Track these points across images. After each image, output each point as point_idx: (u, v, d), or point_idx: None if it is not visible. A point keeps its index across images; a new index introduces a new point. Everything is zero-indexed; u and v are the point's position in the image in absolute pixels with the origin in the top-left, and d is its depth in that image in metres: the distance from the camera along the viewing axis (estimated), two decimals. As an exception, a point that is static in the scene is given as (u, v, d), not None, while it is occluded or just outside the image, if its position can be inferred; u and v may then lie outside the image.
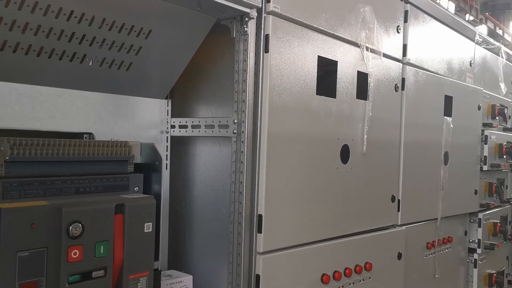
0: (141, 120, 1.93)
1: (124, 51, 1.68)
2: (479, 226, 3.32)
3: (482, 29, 23.23)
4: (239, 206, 1.75)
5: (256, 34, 1.77)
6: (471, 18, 19.31)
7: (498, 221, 3.53)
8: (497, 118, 3.60)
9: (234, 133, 1.77)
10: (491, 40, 3.66)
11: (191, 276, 1.85)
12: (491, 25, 23.81)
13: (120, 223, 1.32)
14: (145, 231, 1.37)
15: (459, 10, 20.76)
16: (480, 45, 3.44)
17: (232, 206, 1.77)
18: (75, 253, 1.24)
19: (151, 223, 1.38)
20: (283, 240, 1.87)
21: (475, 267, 3.32)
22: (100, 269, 1.30)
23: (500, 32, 24.36)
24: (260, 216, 1.77)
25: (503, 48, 3.82)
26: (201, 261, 1.98)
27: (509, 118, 3.84)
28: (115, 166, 1.48)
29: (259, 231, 1.77)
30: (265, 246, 1.78)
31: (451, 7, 21.11)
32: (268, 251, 1.80)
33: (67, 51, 1.56)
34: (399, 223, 2.57)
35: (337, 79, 2.12)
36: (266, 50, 1.77)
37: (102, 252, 1.29)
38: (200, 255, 1.99)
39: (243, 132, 1.75)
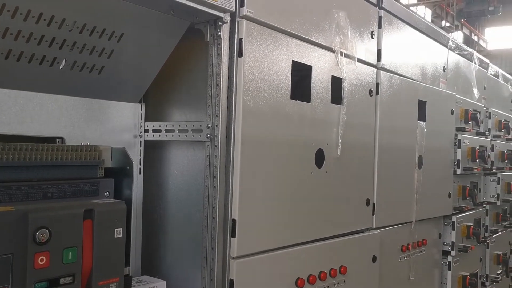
0: (114, 124, 1.91)
1: (96, 54, 1.66)
2: (453, 229, 3.37)
3: (458, 36, 23.75)
4: (213, 210, 1.75)
5: (229, 39, 1.77)
6: (447, 24, 19.68)
7: (472, 224, 3.59)
8: (470, 122, 3.67)
9: (207, 138, 1.76)
10: (464, 46, 3.73)
11: (164, 282, 1.83)
12: (467, 32, 24.33)
13: (89, 228, 1.30)
14: (115, 236, 1.35)
15: (436, 17, 21.15)
16: (453, 51, 3.51)
17: (205, 210, 1.77)
18: (42, 260, 1.22)
19: (121, 229, 1.36)
20: (257, 244, 1.87)
21: (449, 269, 3.37)
22: (68, 276, 1.28)
23: (475, 38, 24.91)
24: (234, 221, 1.77)
25: (476, 54, 3.91)
26: (175, 266, 1.97)
27: (482, 123, 3.92)
28: (84, 171, 1.46)
29: (233, 235, 1.76)
30: (239, 250, 1.77)
31: (428, 13, 21.51)
32: (242, 256, 1.79)
33: (36, 54, 1.54)
34: (374, 227, 2.59)
35: (312, 84, 2.13)
36: (240, 54, 1.78)
37: (70, 258, 1.27)
38: (174, 260, 1.97)
39: (216, 136, 1.74)
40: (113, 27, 1.62)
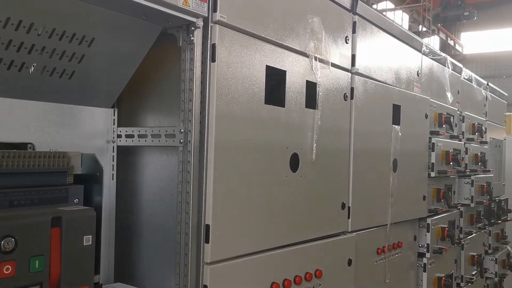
0: (85, 130, 1.89)
1: (66, 59, 1.64)
2: (428, 231, 3.42)
3: (434, 40, 24.16)
4: (186, 216, 1.74)
5: (202, 44, 1.77)
6: (424, 29, 20.00)
7: (446, 226, 3.64)
8: (444, 126, 3.73)
9: (180, 143, 1.75)
10: (438, 51, 3.79)
11: (137, 289, 1.82)
12: (443, 36, 24.76)
13: (57, 236, 1.28)
14: (84, 244, 1.33)
15: (413, 21, 21.47)
16: (427, 56, 3.57)
17: (179, 216, 1.76)
18: (7, 269, 1.19)
19: (90, 236, 1.34)
20: (231, 249, 1.86)
21: (424, 271, 3.41)
22: (36, 285, 1.25)
23: (451, 42, 25.37)
24: (207, 226, 1.76)
25: (449, 59, 3.98)
26: (148, 273, 1.95)
27: (456, 126, 3.99)
28: (53, 177, 1.43)
29: (207, 241, 1.76)
30: (212, 256, 1.76)
31: (405, 18, 21.83)
32: (216, 261, 1.79)
33: (4, 59, 1.51)
34: (349, 230, 2.61)
35: (286, 89, 2.14)
36: (213, 59, 1.77)
37: (37, 267, 1.25)
38: (147, 267, 1.95)
39: (189, 141, 1.74)
40: (83, 31, 1.61)
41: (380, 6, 20.27)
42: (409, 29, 21.25)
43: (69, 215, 1.30)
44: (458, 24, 24.44)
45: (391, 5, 20.66)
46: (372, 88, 2.80)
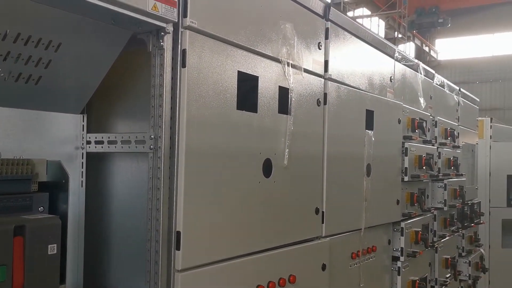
0: (53, 136, 1.85)
1: (32, 64, 1.61)
2: (402, 235, 3.46)
3: (410, 46, 24.59)
4: (156, 223, 1.72)
5: (173, 49, 1.76)
6: (400, 35, 20.35)
7: (420, 230, 3.69)
8: (416, 131, 3.78)
9: (150, 149, 1.74)
10: (410, 57, 3.86)
11: (107, 298, 1.78)
12: (419, 43, 25.23)
13: (19, 245, 1.25)
14: (49, 253, 1.30)
15: (389, 28, 21.82)
16: (400, 62, 3.62)
17: (149, 223, 1.73)
18: (-33, 280, 1.16)
19: (55, 245, 1.32)
20: (203, 256, 1.85)
21: (398, 274, 3.44)
22: (-3, 296, 1.22)
23: (426, 49, 25.86)
24: (178, 233, 1.74)
25: (421, 65, 4.04)
26: (119, 281, 1.92)
27: (428, 131, 4.05)
28: (16, 185, 1.40)
29: (178, 248, 1.74)
30: (184, 263, 1.75)
31: (382, 25, 22.18)
32: (187, 268, 1.77)
33: (-33, 64, 1.47)
34: (323, 235, 2.62)
35: (258, 94, 2.14)
36: (184, 65, 1.76)
37: (-1, 277, 1.21)
38: (118, 275, 1.92)
39: (159, 147, 1.72)
40: (49, 36, 1.58)
41: (357, 12, 20.55)
42: (385, 35, 21.64)
43: (33, 224, 1.27)
44: (433, 30, 24.95)
45: (368, 12, 20.96)
46: (345, 93, 2.82)
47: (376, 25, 21.85)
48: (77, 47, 1.68)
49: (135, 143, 1.79)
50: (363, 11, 20.82)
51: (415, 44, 25.10)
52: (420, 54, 25.42)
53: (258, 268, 2.11)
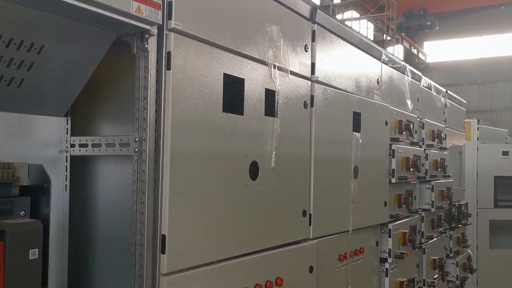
0: (37, 139, 1.83)
1: (14, 66, 1.59)
2: (389, 236, 3.47)
3: (399, 49, 24.75)
4: (141, 227, 1.70)
5: (157, 51, 1.75)
6: (388, 38, 20.48)
7: (407, 231, 3.70)
8: (404, 133, 3.80)
9: (135, 152, 1.72)
10: (397, 59, 3.88)
11: (92, 302, 1.76)
12: (407, 45, 25.42)
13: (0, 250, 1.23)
14: (30, 258, 1.29)
15: (378, 31, 21.95)
16: (387, 64, 3.64)
17: (133, 227, 1.72)
18: None
19: (37, 249, 1.30)
20: (189, 259, 1.84)
21: (386, 276, 3.45)
22: (-23, 302, 1.20)
23: (415, 51, 26.06)
24: (163, 237, 1.73)
25: (408, 67, 4.07)
26: (104, 286, 1.90)
27: (415, 133, 4.08)
28: (-3, 189, 1.38)
29: (163, 251, 1.73)
30: (169, 267, 1.73)
31: (370, 28, 22.30)
32: (173, 272, 1.76)
33: None
34: (311, 237, 2.62)
35: (245, 97, 2.14)
36: (168, 67, 1.75)
37: (-22, 283, 1.19)
38: (102, 279, 1.90)
39: (144, 150, 1.71)
40: (32, 39, 1.56)
41: (346, 14, 20.65)
42: (374, 38, 21.76)
43: (13, 228, 1.26)
44: (421, 33, 25.16)
45: (357, 15, 21.07)
46: (332, 96, 2.83)
47: (365, 28, 21.97)
48: (60, 49, 1.66)
49: (119, 146, 1.77)
50: (352, 13, 20.93)
51: (404, 46, 25.28)
52: (409, 57, 25.61)
53: (245, 271, 2.10)
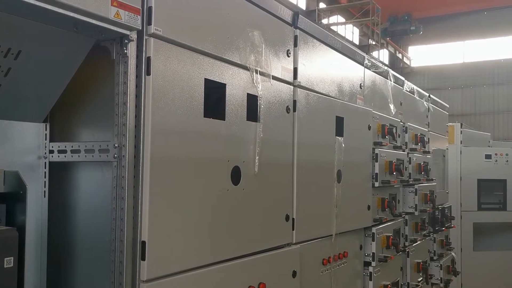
0: (14, 145, 1.81)
1: (-10, 72, 1.57)
2: (373, 240, 3.49)
3: (384, 53, 25.00)
4: (121, 233, 1.69)
5: (137, 57, 1.75)
6: (374, 42, 20.66)
7: (391, 234, 3.73)
8: (387, 137, 3.83)
9: (114, 158, 1.71)
10: (380, 64, 3.91)
11: (71, 310, 1.74)
12: (392, 50, 25.67)
13: (-27, 259, 1.21)
14: (5, 266, 1.27)
15: (363, 35, 22.15)
16: (370, 69, 3.67)
17: (113, 233, 1.70)
18: None
19: (12, 258, 1.28)
20: (170, 266, 1.82)
21: (370, 279, 3.47)
22: (-51, 312, 1.17)
23: (400, 56, 26.32)
24: (143, 243, 1.72)
25: (391, 72, 4.11)
26: (84, 293, 1.88)
27: (399, 137, 4.11)
28: (-29, 197, 1.36)
29: (143, 258, 1.71)
30: (149, 273, 1.72)
31: (356, 32, 22.49)
32: (153, 279, 1.75)
33: None
34: (294, 242, 2.62)
35: (226, 102, 2.14)
36: (148, 72, 1.75)
37: (-50, 293, 1.17)
38: (83, 286, 1.88)
39: (124, 156, 1.70)
40: (8, 44, 1.54)
41: (332, 19, 20.80)
42: (360, 42, 21.95)
43: (-13, 237, 1.23)
44: (406, 38, 25.44)
45: (342, 19, 21.24)
46: (314, 100, 2.84)
47: (351, 33, 22.16)
48: (38, 55, 1.65)
49: (98, 152, 1.76)
50: (337, 18, 21.09)
51: (389, 51, 25.53)
52: (394, 61, 25.88)
53: (227, 277, 2.10)
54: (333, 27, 20.46)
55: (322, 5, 20.03)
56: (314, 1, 19.55)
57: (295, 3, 18.64)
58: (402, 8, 22.85)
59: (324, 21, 19.89)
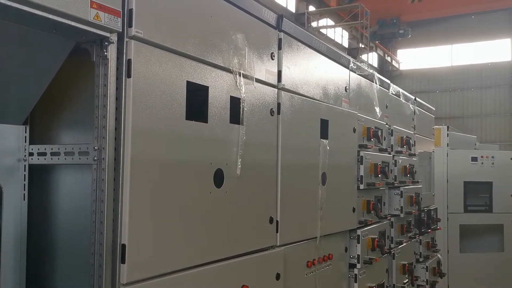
0: (-7, 148, 1.79)
1: (-33, 74, 1.56)
2: (358, 242, 3.50)
3: (373, 57, 25.16)
4: (100, 236, 1.68)
5: (118, 59, 1.74)
6: (363, 46, 20.78)
7: (376, 237, 3.74)
8: (372, 139, 3.85)
9: (94, 160, 1.70)
10: (365, 67, 3.93)
11: (50, 314, 1.73)
12: (381, 53, 25.85)
13: None
14: (-20, 270, 1.25)
15: (352, 38, 22.26)
16: (355, 72, 3.69)
17: (92, 237, 1.69)
18: None
19: (-13, 261, 1.26)
20: (151, 269, 1.82)
21: (355, 281, 3.48)
22: None
23: (388, 59, 26.51)
24: (123, 246, 1.71)
25: (376, 75, 4.13)
26: (64, 297, 1.86)
27: (384, 140, 4.13)
28: None
29: (123, 261, 1.70)
30: (129, 277, 1.71)
31: (345, 35, 22.61)
32: (133, 282, 1.74)
33: None
34: (278, 244, 2.62)
35: (209, 104, 2.14)
36: (129, 75, 1.74)
37: None
38: (62, 290, 1.87)
39: (103, 159, 1.69)
40: (-15, 45, 1.53)
41: (321, 22, 20.89)
42: (349, 45, 22.07)
43: (-39, 240, 1.22)
44: (394, 41, 25.65)
45: (332, 23, 21.34)
46: (299, 103, 2.85)
47: (340, 36, 22.28)
48: (17, 57, 1.64)
49: (78, 154, 1.75)
50: (327, 21, 21.19)
51: (378, 54, 25.71)
52: (383, 64, 26.06)
53: (209, 280, 2.09)
54: (323, 30, 20.56)
55: (311, 8, 20.12)
56: (304, 4, 19.63)
57: (285, 6, 18.71)
58: (390, 11, 23.03)
59: (314, 24, 19.98)
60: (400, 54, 27.55)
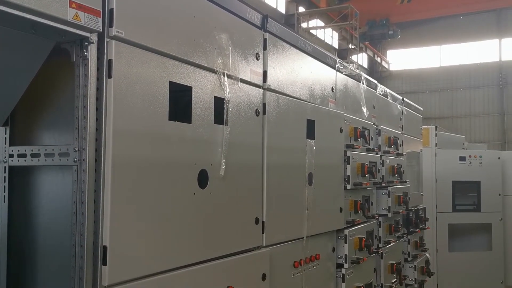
0: (-28, 150, 1.77)
1: None
2: (345, 242, 3.50)
3: (363, 57, 25.27)
4: (81, 238, 1.66)
5: (98, 59, 1.72)
6: (353, 46, 20.87)
7: (364, 236, 3.75)
8: (359, 139, 3.86)
9: (75, 162, 1.69)
10: (352, 67, 3.94)
11: (30, 318, 1.71)
12: (371, 53, 25.97)
13: None
14: (-46, 273, 1.23)
15: (342, 39, 22.35)
16: (341, 72, 3.69)
17: (73, 239, 1.68)
18: None
19: (-38, 265, 1.24)
20: (133, 270, 1.80)
21: (343, 281, 3.48)
22: None
23: (378, 59, 26.64)
24: (104, 248, 1.69)
25: (363, 75, 4.14)
26: (45, 300, 1.84)
27: (371, 140, 4.15)
28: None
29: (104, 263, 1.69)
30: (111, 279, 1.70)
31: (335, 36, 22.69)
32: (115, 284, 1.72)
33: None
34: (264, 245, 2.61)
35: (192, 105, 2.13)
36: (110, 75, 1.73)
37: None
38: (44, 293, 1.85)
39: (84, 160, 1.67)
40: (-38, 45, 1.51)
41: (311, 23, 20.95)
42: (339, 46, 22.15)
43: None
44: (384, 42, 25.79)
45: (321, 23, 21.41)
46: (285, 103, 2.85)
47: (330, 37, 22.35)
48: (-5, 57, 1.61)
49: (59, 155, 1.73)
50: (317, 22, 21.25)
51: (368, 55, 25.83)
52: (373, 65, 26.19)
53: (193, 281, 2.08)
54: (313, 31, 20.62)
55: (301, 9, 20.17)
56: (294, 5, 19.67)
57: (275, 7, 18.74)
58: (380, 12, 23.16)
59: (304, 25, 20.02)
60: (389, 55, 27.70)
